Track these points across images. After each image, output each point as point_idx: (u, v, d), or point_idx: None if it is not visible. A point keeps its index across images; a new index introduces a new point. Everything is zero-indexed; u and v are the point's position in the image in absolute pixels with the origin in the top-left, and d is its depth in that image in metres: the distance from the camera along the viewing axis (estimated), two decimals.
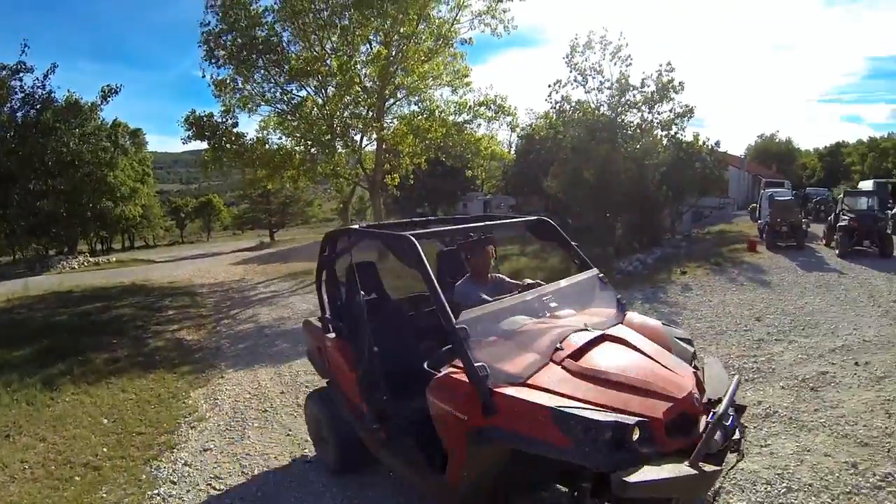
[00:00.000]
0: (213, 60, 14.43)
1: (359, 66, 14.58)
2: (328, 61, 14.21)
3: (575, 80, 16.22)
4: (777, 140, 51.25)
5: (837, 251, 12.63)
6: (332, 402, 3.41)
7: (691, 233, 18.59)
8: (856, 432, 3.77)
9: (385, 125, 15.91)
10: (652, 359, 2.40)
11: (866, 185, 25.54)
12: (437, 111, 16.03)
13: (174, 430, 4.61)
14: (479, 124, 16.91)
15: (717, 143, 17.75)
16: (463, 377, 2.21)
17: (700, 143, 17.40)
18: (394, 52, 14.81)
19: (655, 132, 16.88)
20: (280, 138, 16.11)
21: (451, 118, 16.23)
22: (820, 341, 6.06)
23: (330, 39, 15.04)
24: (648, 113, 16.41)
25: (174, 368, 6.47)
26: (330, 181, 18.31)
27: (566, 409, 1.95)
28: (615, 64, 15.94)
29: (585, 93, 16.47)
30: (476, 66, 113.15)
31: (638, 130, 16.65)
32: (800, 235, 13.83)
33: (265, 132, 15.94)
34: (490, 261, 3.38)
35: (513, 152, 26.60)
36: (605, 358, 2.33)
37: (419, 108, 16.58)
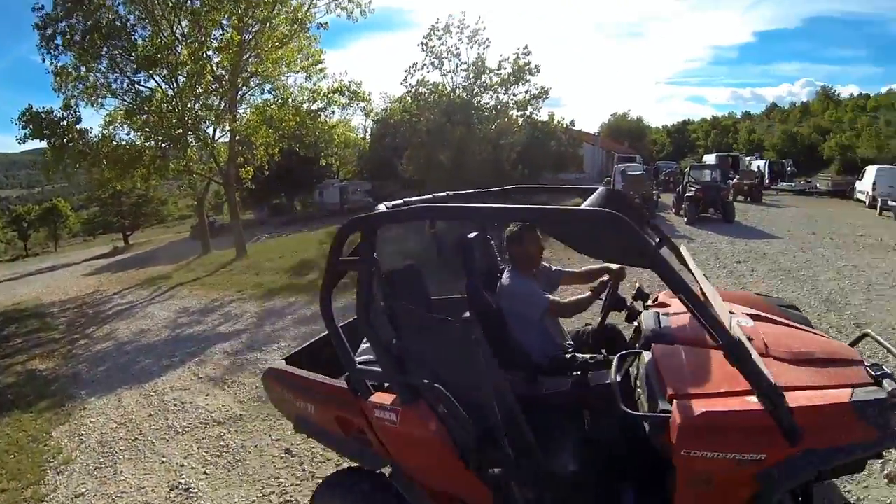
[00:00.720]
0: (50, 48, 15.19)
1: (210, 54, 16.29)
2: (178, 48, 15.75)
3: (431, 64, 19.53)
4: (629, 118, 63.67)
5: (686, 219, 16.55)
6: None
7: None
8: None
9: (238, 116, 17.91)
10: (800, 328, 2.51)
11: (710, 158, 34.05)
12: (290, 99, 18.40)
13: (40, 479, 4.69)
14: (334, 111, 19.56)
15: (572, 122, 23.05)
16: (719, 405, 1.94)
17: (555, 122, 22.40)
18: (247, 38, 16.63)
19: (511, 113, 20.77)
20: (128, 134, 17.24)
21: (305, 106, 18.61)
22: None
23: (180, 24, 16.39)
24: (504, 94, 20.19)
25: (30, 407, 6.53)
26: (183, 178, 20.03)
27: (862, 399, 1.89)
28: (472, 47, 19.46)
29: (442, 76, 19.84)
30: (335, 51, 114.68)
31: (494, 112, 20.38)
32: (651, 206, 16.88)
33: (111, 128, 17.00)
34: (543, 248, 3.23)
35: (368, 137, 30.14)
36: (785, 337, 2.33)
37: (273, 96, 18.78)
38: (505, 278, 3.10)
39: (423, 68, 19.65)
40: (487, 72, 19.50)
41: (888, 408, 1.85)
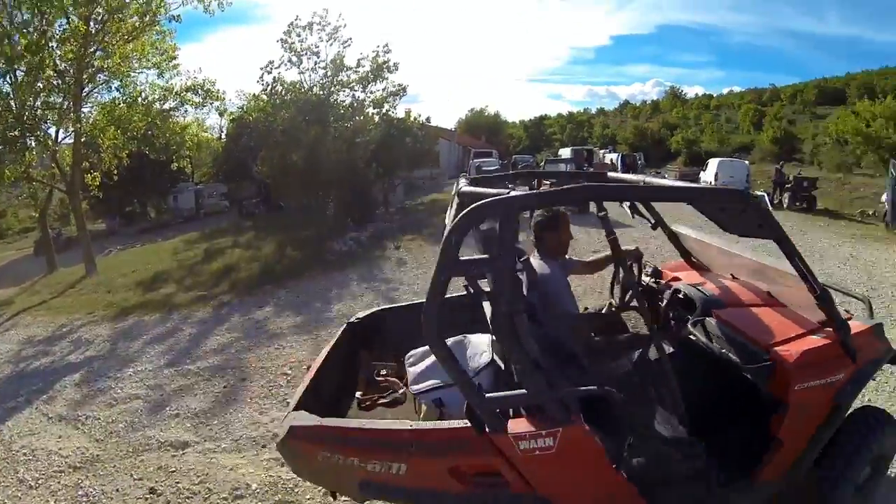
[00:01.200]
0: None
1: (53, 45, 16.30)
2: (15, 38, 15.64)
3: (289, 61, 20.74)
4: (487, 113, 71.03)
5: None
6: None
7: (405, 205, 25.01)
8: None
9: (83, 115, 18.07)
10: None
11: (565, 152, 39.90)
12: (140, 97, 18.83)
13: None
14: (187, 111, 20.15)
15: (428, 119, 25.73)
16: (808, 344, 2.83)
17: (411, 119, 24.72)
18: (94, 29, 16.73)
19: (367, 110, 22.63)
20: None
21: (156, 105, 19.12)
22: None
23: (19, 10, 16.22)
24: (361, 92, 21.95)
25: None
26: (22, 186, 19.91)
27: (875, 323, 3.04)
28: (331, 45, 20.91)
29: (299, 73, 21.20)
30: (191, 45, 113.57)
31: (350, 110, 22.11)
32: None
33: None
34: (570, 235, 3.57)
35: (223, 138, 31.97)
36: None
37: (121, 94, 18.89)
38: (538, 265, 3.27)
39: (280, 66, 21.15)
40: (346, 69, 21.43)
41: (883, 329, 3.08)
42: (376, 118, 23.06)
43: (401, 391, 3.66)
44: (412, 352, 3.51)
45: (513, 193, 2.41)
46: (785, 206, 22.90)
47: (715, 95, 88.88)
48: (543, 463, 2.41)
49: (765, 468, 2.84)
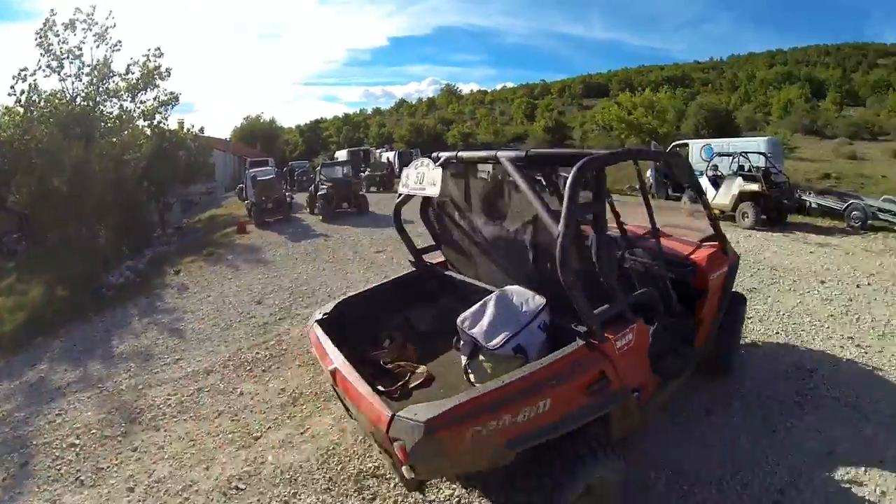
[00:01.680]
0: None
1: None
2: None
3: (48, 66, 19.69)
4: (262, 120, 73.10)
5: (321, 217, 19.96)
6: None
7: (183, 224, 25.92)
8: None
9: None
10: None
11: (341, 154, 42.56)
12: None
13: None
14: None
15: (202, 129, 26.20)
16: (708, 251, 5.24)
17: (185, 130, 24.95)
18: None
19: (137, 123, 22.16)
20: None
21: None
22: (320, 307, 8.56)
23: None
24: (131, 102, 21.46)
25: None
26: None
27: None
28: (98, 47, 20.25)
29: (60, 81, 20.15)
30: None
31: (118, 122, 21.49)
32: (285, 209, 20.88)
33: None
34: None
35: None
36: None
37: None
38: None
39: (36, 72, 19.92)
40: (114, 76, 20.97)
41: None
42: (147, 131, 22.78)
43: (420, 369, 4.29)
44: (462, 315, 3.98)
45: (602, 152, 3.78)
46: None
47: (489, 91, 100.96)
48: (627, 356, 3.55)
49: (698, 339, 4.84)
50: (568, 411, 3.23)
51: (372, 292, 5.19)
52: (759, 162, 17.83)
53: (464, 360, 3.99)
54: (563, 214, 3.26)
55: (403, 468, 3.06)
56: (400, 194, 5.06)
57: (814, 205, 18.49)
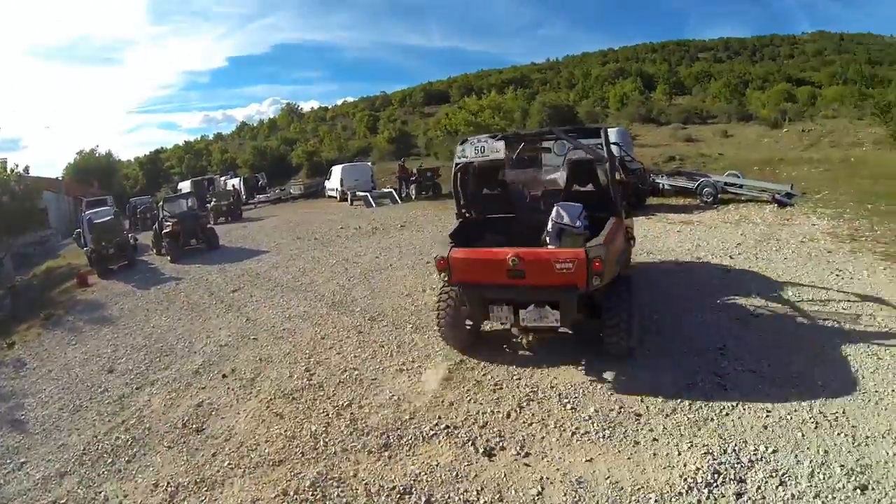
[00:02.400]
0: None
1: None
2: None
3: None
4: (97, 155, 67.80)
5: (169, 258, 18.32)
6: None
7: (16, 282, 23.15)
8: (263, 455, 5.71)
9: None
10: None
11: (185, 185, 40.16)
12: None
13: None
14: None
15: (27, 169, 23.86)
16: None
17: (8, 171, 23.06)
18: None
19: None
20: None
21: None
22: (181, 367, 8.45)
23: None
24: None
25: None
26: None
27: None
28: None
29: None
30: None
31: None
32: (129, 253, 18.95)
33: None
34: None
35: None
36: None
37: None
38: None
39: None
40: None
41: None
42: None
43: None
44: (552, 215, 6.92)
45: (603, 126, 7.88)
46: (413, 197, 27.32)
47: (330, 107, 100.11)
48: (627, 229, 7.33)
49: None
50: (624, 247, 7.11)
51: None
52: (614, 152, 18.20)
53: (549, 241, 6.85)
54: (606, 153, 6.81)
55: (592, 276, 5.88)
56: (458, 164, 7.52)
57: (667, 186, 19.12)
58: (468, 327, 7.31)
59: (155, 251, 20.52)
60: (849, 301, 7.93)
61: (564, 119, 41.39)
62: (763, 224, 13.99)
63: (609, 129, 17.51)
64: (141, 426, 7.04)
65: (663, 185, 19.23)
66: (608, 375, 6.32)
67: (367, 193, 27.96)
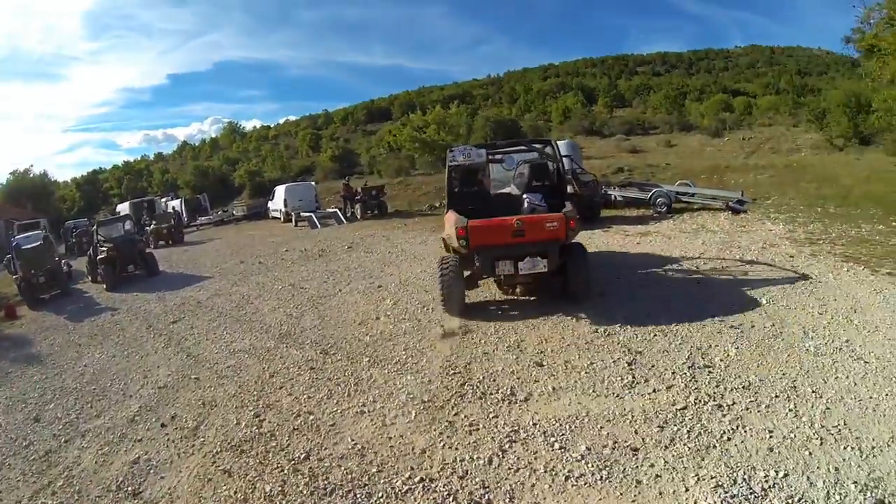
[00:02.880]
0: None
1: None
2: None
3: None
4: (31, 175, 64.64)
5: (105, 285, 17.07)
6: None
7: None
8: None
9: None
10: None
11: (123, 207, 38.06)
12: None
13: None
14: None
15: None
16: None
17: None
18: None
19: None
20: None
21: None
22: (116, 414, 7.51)
23: None
24: None
25: None
26: None
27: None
28: None
29: None
30: None
31: None
32: (62, 281, 17.62)
33: None
34: None
35: None
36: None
37: None
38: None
39: None
40: None
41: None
42: None
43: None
44: (525, 198, 9.85)
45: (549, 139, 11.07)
46: (359, 216, 26.75)
47: (273, 126, 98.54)
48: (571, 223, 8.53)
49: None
50: (578, 226, 8.84)
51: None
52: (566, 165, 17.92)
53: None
54: (557, 159, 10.40)
55: (569, 231, 8.52)
56: (451, 168, 10.01)
57: (619, 197, 18.85)
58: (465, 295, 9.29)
59: (90, 278, 19.04)
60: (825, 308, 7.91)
61: (509, 132, 41.55)
62: (721, 232, 13.94)
63: (559, 142, 17.37)
64: (70, 489, 5.93)
65: (615, 196, 18.99)
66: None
67: (312, 214, 27.22)
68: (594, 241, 13.59)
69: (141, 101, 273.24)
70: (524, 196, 9.96)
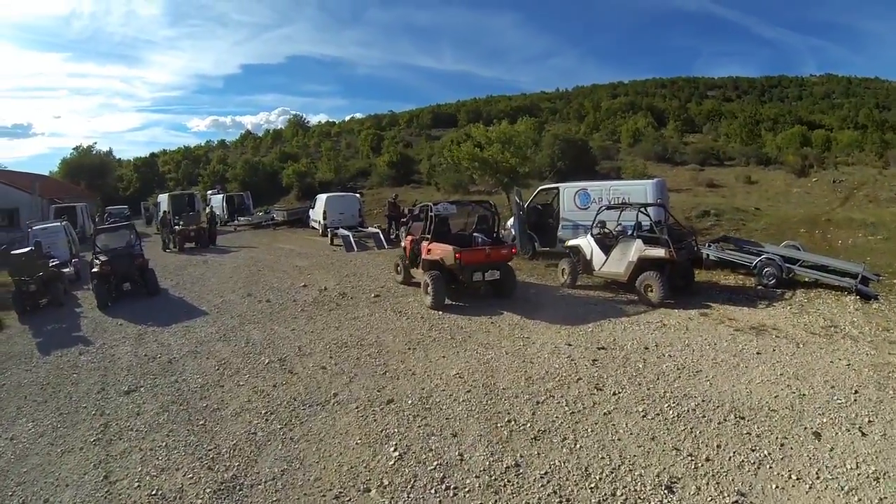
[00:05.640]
0: None
1: None
2: None
3: None
4: (93, 152, 62.13)
5: (97, 303, 14.30)
6: None
7: None
8: None
9: None
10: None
11: (163, 199, 33.94)
12: None
13: None
14: None
15: None
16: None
17: None
18: None
19: None
20: None
21: None
22: None
23: None
24: None
25: None
26: None
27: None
28: None
29: None
30: None
31: None
32: (56, 292, 15.13)
33: None
34: None
35: None
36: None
37: None
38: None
39: None
40: None
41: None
42: None
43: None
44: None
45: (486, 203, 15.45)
46: (402, 241, 22.37)
47: (337, 122, 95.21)
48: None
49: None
50: (511, 258, 13.48)
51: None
52: (658, 214, 13.85)
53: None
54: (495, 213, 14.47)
55: (513, 255, 14.21)
56: (433, 216, 13.58)
57: (711, 256, 14.61)
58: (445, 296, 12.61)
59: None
60: None
61: (578, 153, 37.28)
62: (863, 338, 9.74)
63: (646, 182, 16.68)
64: None
65: (707, 254, 14.68)
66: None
67: (350, 234, 23.61)
68: (693, 345, 9.64)
69: (212, 88, 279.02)
70: (473, 234, 14.01)
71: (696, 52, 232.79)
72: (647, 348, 9.35)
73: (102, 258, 15.31)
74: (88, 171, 58.42)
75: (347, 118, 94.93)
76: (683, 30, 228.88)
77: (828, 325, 10.51)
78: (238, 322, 12.25)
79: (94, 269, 15.09)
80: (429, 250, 13.21)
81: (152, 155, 78.36)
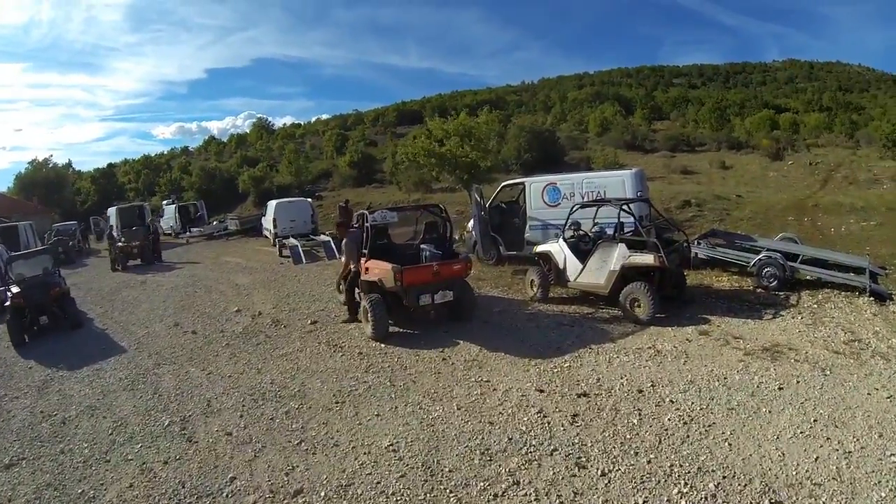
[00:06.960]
0: None
1: None
2: None
3: None
4: (49, 165, 59.15)
5: (12, 341, 12.22)
6: None
7: None
8: None
9: None
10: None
11: (111, 212, 30.70)
12: None
13: None
14: None
15: None
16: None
17: None
18: None
19: None
20: None
21: None
22: None
23: None
24: None
25: None
26: None
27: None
28: None
29: None
30: None
31: None
32: None
33: None
34: None
35: None
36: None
37: None
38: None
39: None
40: None
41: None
42: None
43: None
44: (424, 248, 11.66)
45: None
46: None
47: (302, 124, 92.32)
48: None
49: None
50: (467, 274, 10.84)
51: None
52: (641, 210, 11.77)
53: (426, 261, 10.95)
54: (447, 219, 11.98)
55: (467, 272, 11.00)
56: (370, 226, 10.77)
57: (701, 255, 12.54)
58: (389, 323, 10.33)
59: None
60: None
61: (545, 144, 35.16)
62: (892, 353, 7.93)
63: (623, 173, 14.29)
64: None
65: (696, 253, 12.59)
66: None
67: (299, 244, 21.15)
68: (699, 381, 7.54)
69: (177, 94, 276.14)
70: (421, 246, 11.67)
71: (660, 40, 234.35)
72: (640, 391, 7.16)
73: (14, 290, 13.06)
74: (44, 185, 55.32)
75: (313, 119, 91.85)
76: (647, 19, 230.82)
77: (850, 340, 8.58)
78: (153, 363, 10.07)
79: (6, 303, 12.91)
80: (366, 269, 10.51)
81: (110, 165, 73.92)
